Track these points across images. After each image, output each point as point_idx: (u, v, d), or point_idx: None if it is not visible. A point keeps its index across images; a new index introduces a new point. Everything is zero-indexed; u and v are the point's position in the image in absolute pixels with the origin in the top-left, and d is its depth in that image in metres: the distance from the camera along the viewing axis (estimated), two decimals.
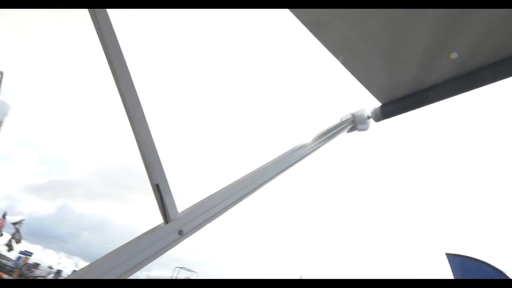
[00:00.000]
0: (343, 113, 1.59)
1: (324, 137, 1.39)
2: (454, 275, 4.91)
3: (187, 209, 0.80)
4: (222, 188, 0.88)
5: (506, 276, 4.52)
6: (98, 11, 0.70)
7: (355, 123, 1.54)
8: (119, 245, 0.67)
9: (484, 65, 1.26)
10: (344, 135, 1.54)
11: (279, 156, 1.12)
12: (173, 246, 0.73)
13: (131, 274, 0.64)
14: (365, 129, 1.57)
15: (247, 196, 0.91)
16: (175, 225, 0.74)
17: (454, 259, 4.95)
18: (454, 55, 1.13)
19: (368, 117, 1.59)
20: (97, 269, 0.61)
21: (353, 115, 1.53)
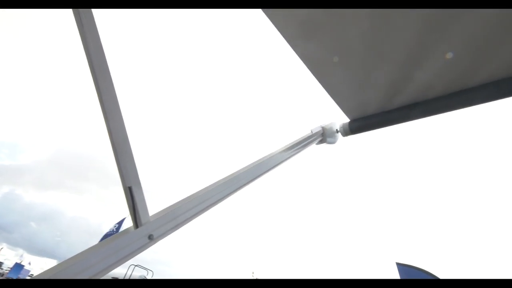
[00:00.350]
0: (314, 126, 1.66)
1: (296, 148, 1.44)
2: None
3: (158, 213, 0.80)
4: (194, 194, 0.88)
5: (434, 275, 5.04)
6: (82, 11, 0.68)
7: (324, 136, 1.61)
8: (89, 245, 0.66)
9: (443, 94, 1.38)
10: (313, 147, 1.60)
11: (251, 164, 1.15)
12: (143, 251, 0.73)
13: (101, 276, 0.64)
14: (333, 142, 1.65)
15: (219, 202, 0.93)
16: (146, 230, 0.74)
17: (403, 268, 5.40)
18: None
19: (337, 131, 1.67)
20: (69, 269, 0.60)
21: (323, 128, 1.60)
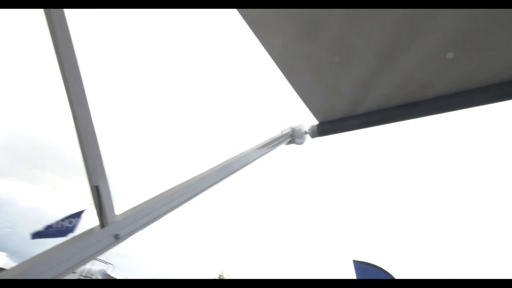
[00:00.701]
0: (284, 126, 1.70)
1: (266, 147, 1.47)
2: (356, 277, 5.68)
3: (125, 213, 0.79)
4: (162, 193, 0.88)
5: (393, 277, 5.45)
6: (54, 11, 0.65)
7: (293, 136, 1.65)
8: (54, 244, 0.64)
9: (405, 102, 1.48)
10: (283, 147, 1.65)
11: (222, 163, 1.16)
12: (108, 249, 0.72)
13: (65, 276, 0.62)
14: (301, 143, 1.70)
15: (186, 202, 0.93)
16: (112, 230, 0.73)
17: (359, 265, 5.73)
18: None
19: (305, 133, 1.72)
20: (32, 269, 0.58)
21: (292, 129, 1.64)
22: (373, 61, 1.29)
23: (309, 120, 1.76)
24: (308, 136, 1.75)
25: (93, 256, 0.68)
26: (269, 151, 1.52)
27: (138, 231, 0.80)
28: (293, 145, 1.68)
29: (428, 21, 1.07)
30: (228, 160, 1.23)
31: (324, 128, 1.70)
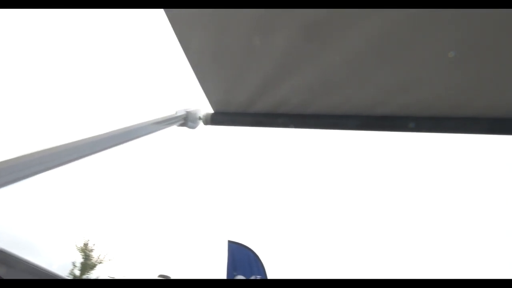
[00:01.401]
0: (179, 108, 1.71)
1: (156, 125, 1.45)
2: (228, 256, 6.17)
3: None
4: (28, 154, 0.80)
5: (257, 256, 6.18)
6: None
7: (186, 120, 1.68)
8: None
9: (294, 112, 1.68)
10: (174, 128, 1.66)
11: (104, 133, 1.11)
12: None
13: None
14: (193, 127, 1.74)
15: (54, 168, 0.87)
16: None
17: (231, 245, 6.24)
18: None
19: (200, 118, 1.78)
20: None
21: (187, 112, 1.67)
22: (278, 63, 1.38)
23: (206, 108, 1.81)
24: (201, 123, 1.80)
25: None
26: (159, 129, 1.51)
27: None
28: (185, 129, 1.71)
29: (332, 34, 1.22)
30: (113, 131, 1.18)
31: (218, 118, 1.78)
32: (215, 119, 1.77)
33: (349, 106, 1.56)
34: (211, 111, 1.80)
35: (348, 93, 1.50)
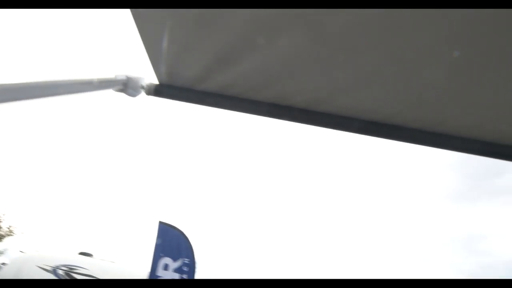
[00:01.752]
0: (121, 72, 1.58)
1: (88, 85, 1.32)
2: (156, 238, 6.01)
3: None
4: None
5: (188, 240, 6.14)
6: None
7: (126, 86, 1.56)
8: None
9: (244, 97, 1.65)
10: (111, 92, 1.52)
11: (26, 82, 0.97)
12: None
13: None
14: (133, 96, 1.62)
15: None
16: None
17: (162, 227, 6.08)
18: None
19: (142, 87, 1.66)
20: None
21: (128, 77, 1.54)
22: (235, 43, 1.33)
23: (151, 78, 1.70)
24: (143, 92, 1.69)
25: None
26: (93, 89, 1.37)
27: None
28: (123, 95, 1.58)
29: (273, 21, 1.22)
30: (38, 82, 1.04)
31: (162, 90, 1.68)
32: (159, 90, 1.67)
33: (300, 98, 1.59)
34: (156, 82, 1.69)
35: (303, 85, 1.52)
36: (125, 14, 1.29)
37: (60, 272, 7.23)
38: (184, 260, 5.95)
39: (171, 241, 6.01)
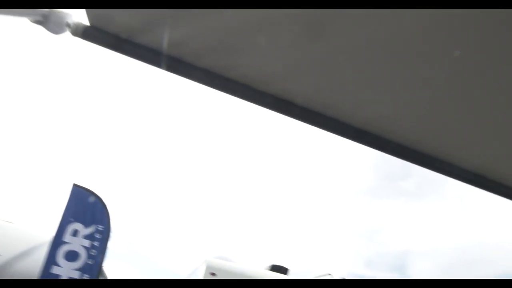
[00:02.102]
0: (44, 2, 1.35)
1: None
2: (68, 201, 5.53)
3: None
4: None
5: (104, 205, 5.79)
6: None
7: (48, 20, 1.35)
8: None
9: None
10: (26, 22, 1.30)
11: None
12: None
13: None
14: (55, 33, 1.41)
15: None
16: None
17: (77, 189, 5.61)
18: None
19: (67, 25, 1.45)
20: None
21: (50, 11, 1.33)
22: None
23: (81, 17, 1.49)
24: (68, 31, 1.48)
25: None
26: (4, 14, 1.16)
27: None
28: (42, 28, 1.37)
29: None
30: None
31: (92, 33, 1.49)
32: (88, 33, 1.48)
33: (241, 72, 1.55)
34: (87, 22, 1.49)
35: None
36: None
37: None
38: (98, 227, 5.59)
39: (85, 206, 5.57)
